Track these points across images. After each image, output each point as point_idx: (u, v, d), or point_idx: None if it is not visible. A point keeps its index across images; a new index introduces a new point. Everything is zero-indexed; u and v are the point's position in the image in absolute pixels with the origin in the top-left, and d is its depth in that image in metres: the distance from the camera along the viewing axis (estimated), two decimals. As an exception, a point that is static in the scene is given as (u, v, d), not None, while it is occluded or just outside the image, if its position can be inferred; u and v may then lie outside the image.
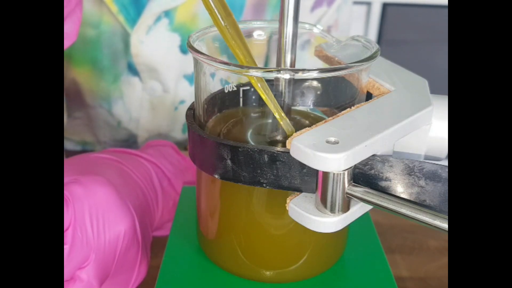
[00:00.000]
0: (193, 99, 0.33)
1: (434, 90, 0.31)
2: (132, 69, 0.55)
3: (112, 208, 0.35)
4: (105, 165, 0.40)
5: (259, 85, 0.29)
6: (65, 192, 0.34)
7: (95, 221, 0.34)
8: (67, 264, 0.32)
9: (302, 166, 0.27)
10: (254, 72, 0.28)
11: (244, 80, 0.33)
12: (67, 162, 0.40)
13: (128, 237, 0.36)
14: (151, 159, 0.44)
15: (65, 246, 0.32)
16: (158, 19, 0.52)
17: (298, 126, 0.32)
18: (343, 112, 0.29)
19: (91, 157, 0.41)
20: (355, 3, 1.39)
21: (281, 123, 0.30)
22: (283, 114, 0.29)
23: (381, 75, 0.33)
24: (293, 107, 0.33)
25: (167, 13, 0.52)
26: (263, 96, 0.29)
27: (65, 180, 0.36)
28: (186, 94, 0.57)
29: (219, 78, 0.32)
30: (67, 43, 0.35)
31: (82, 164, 0.39)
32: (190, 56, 0.54)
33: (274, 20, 0.33)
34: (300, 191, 0.28)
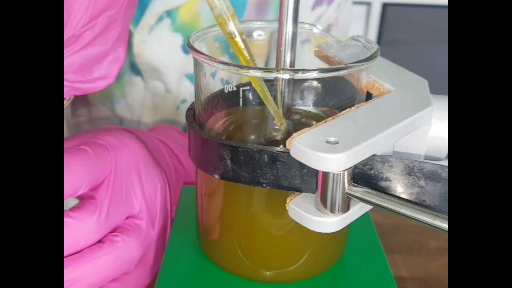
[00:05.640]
0: (194, 99, 0.33)
1: (434, 90, 0.31)
2: (135, 69, 0.55)
3: (147, 162, 0.34)
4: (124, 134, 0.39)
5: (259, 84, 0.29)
6: (101, 141, 0.33)
7: (134, 170, 0.33)
8: (111, 211, 0.32)
9: (302, 166, 0.27)
10: (253, 72, 0.28)
11: (244, 80, 0.33)
12: (82, 133, 0.39)
13: (161, 196, 0.35)
14: (160, 138, 0.44)
15: (104, 198, 0.32)
16: (160, 19, 0.52)
17: (298, 126, 0.32)
18: (343, 112, 0.29)
19: (107, 128, 0.41)
20: (355, 3, 1.39)
21: (280, 124, 0.30)
22: (282, 115, 0.29)
23: (381, 75, 0.33)
24: (293, 107, 0.33)
25: (169, 13, 0.52)
26: (262, 95, 0.29)
27: (94, 139, 0.35)
28: (188, 93, 0.57)
29: (219, 78, 0.32)
30: (103, 83, 0.34)
31: (100, 130, 0.39)
32: (192, 56, 0.54)
33: (275, 20, 0.33)
34: (300, 191, 0.28)
